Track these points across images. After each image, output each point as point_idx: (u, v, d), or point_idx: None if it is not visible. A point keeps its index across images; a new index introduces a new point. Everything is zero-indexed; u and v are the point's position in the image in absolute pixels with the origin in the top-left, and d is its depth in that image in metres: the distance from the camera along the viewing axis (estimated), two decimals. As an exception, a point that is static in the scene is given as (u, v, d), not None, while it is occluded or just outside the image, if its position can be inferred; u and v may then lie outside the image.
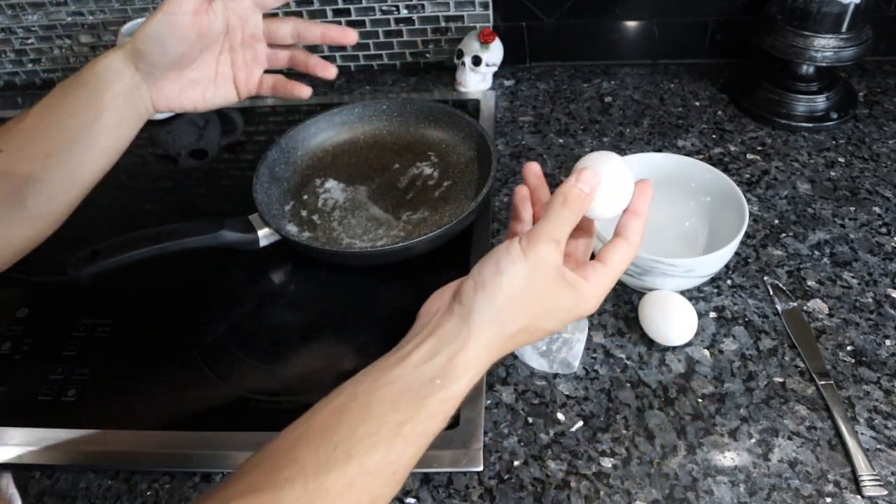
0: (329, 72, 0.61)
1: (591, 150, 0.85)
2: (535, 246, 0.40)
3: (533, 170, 0.49)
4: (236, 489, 0.37)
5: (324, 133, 0.83)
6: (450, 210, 0.74)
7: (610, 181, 0.44)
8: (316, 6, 0.98)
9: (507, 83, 0.99)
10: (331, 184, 0.79)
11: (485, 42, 0.92)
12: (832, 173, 0.79)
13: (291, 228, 0.75)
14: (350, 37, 0.58)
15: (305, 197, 0.78)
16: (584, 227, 0.47)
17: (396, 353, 0.41)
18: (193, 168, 0.92)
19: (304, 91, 0.62)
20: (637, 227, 0.44)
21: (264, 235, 0.70)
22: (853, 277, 0.67)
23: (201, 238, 0.68)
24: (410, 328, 0.44)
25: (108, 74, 0.54)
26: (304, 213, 0.77)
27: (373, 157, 0.82)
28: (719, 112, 0.90)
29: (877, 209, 0.74)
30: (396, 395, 0.38)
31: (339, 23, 0.99)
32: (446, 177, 0.78)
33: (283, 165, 0.79)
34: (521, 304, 0.41)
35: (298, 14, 0.98)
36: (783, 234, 0.72)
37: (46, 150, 0.53)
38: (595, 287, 0.43)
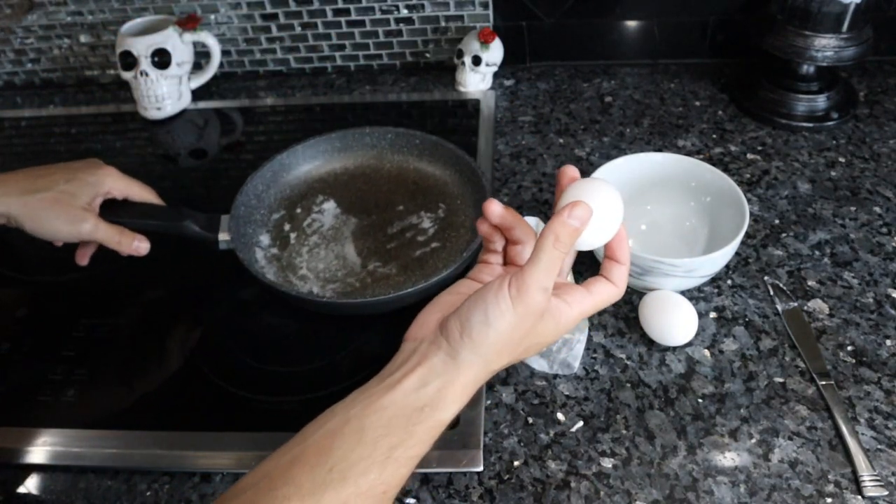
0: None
1: (589, 151, 0.86)
2: (524, 297, 0.40)
3: (495, 210, 0.46)
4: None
5: (348, 151, 0.79)
6: (417, 277, 0.68)
7: (601, 212, 0.43)
8: (316, 6, 0.97)
9: (507, 83, 0.99)
10: (329, 205, 0.75)
11: (485, 42, 0.92)
12: (833, 173, 0.79)
13: (264, 239, 0.72)
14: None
15: (298, 210, 0.75)
16: None
17: (387, 380, 0.42)
18: (193, 168, 0.92)
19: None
20: (624, 275, 0.45)
21: (224, 239, 0.67)
22: (854, 277, 0.67)
23: (162, 224, 0.67)
24: (397, 352, 0.45)
25: None
26: (286, 226, 0.73)
27: (385, 190, 0.77)
28: (719, 112, 0.90)
29: (877, 209, 0.74)
30: (388, 421, 0.40)
31: (339, 23, 0.99)
32: (438, 237, 0.71)
33: (291, 171, 0.77)
34: (506, 346, 0.42)
35: (298, 14, 0.98)
36: (783, 234, 0.72)
37: None
38: (575, 310, 0.44)
